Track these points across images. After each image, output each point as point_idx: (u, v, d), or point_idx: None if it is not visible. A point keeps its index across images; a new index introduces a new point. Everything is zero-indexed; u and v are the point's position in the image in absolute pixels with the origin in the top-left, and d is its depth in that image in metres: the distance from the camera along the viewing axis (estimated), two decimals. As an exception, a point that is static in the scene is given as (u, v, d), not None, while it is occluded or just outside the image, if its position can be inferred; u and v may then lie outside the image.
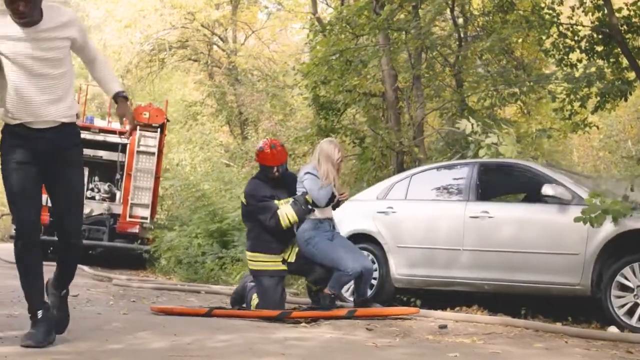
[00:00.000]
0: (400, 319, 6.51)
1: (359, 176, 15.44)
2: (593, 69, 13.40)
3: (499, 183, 8.74)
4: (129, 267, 15.08)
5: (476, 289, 7.82)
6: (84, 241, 14.93)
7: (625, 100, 14.18)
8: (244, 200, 7.18)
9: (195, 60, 28.09)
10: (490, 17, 15.49)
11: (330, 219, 7.09)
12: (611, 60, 13.75)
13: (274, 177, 7.10)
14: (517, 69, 15.41)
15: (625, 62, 13.37)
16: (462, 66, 15.01)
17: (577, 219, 6.74)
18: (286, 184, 7.21)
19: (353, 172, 16.22)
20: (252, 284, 6.85)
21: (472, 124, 8.76)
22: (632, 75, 13.36)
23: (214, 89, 27.16)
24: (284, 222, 6.86)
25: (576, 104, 14.16)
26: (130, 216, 15.42)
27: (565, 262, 7.19)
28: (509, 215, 7.79)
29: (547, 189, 7.32)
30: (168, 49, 26.47)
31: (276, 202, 7.00)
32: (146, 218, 15.54)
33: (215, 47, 28.24)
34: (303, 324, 5.74)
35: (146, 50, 26.75)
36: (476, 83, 16.79)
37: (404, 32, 13.04)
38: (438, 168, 8.91)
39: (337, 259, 6.60)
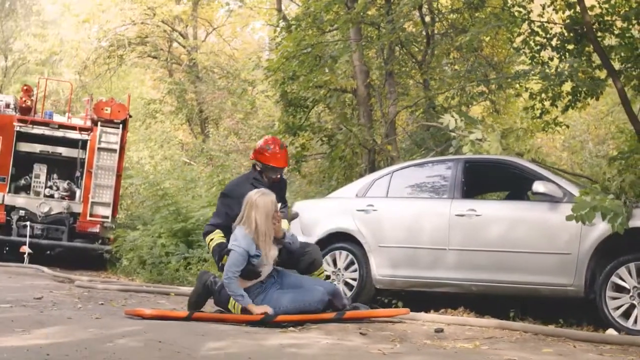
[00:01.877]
0: (389, 321, 6.18)
1: (328, 175, 15.10)
2: (566, 66, 13.22)
3: (485, 180, 8.46)
4: (89, 267, 14.54)
5: (463, 290, 7.51)
6: (43, 241, 14.44)
7: (597, 99, 14.09)
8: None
9: (154, 57, 27.50)
10: (459, 15, 15.32)
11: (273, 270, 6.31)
12: (583, 58, 13.57)
13: (274, 179, 6.77)
14: (486, 67, 15.19)
15: (596, 60, 13.22)
16: (429, 64, 14.78)
17: (568, 218, 6.46)
18: (279, 188, 6.86)
19: (320, 170, 15.87)
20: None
21: (456, 120, 8.45)
22: (602, 74, 13.19)
23: (173, 86, 26.59)
24: (209, 242, 6.73)
25: (547, 103, 14.03)
26: (91, 215, 14.86)
27: (557, 261, 6.92)
28: (497, 214, 7.49)
29: (538, 186, 7.04)
30: (127, 45, 25.84)
31: None
32: (107, 217, 15.00)
33: (175, 43, 27.68)
34: (290, 329, 5.37)
35: (104, 46, 26.10)
36: (442, 81, 16.63)
37: (377, 27, 12.72)
38: (420, 165, 8.59)
39: (302, 298, 6.16)
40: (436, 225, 7.66)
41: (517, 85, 13.81)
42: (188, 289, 9.33)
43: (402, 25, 11.95)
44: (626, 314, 6.48)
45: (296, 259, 6.59)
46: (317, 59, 13.47)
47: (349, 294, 7.81)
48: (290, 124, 14.73)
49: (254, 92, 24.27)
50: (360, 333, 5.28)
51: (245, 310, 5.61)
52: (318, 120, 16.12)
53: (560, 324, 6.84)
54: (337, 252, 8.16)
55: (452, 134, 8.56)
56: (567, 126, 15.56)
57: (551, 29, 14.22)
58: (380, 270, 7.89)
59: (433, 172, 8.29)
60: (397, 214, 8.05)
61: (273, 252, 6.01)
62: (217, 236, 6.69)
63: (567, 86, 13.36)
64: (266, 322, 5.48)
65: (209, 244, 6.79)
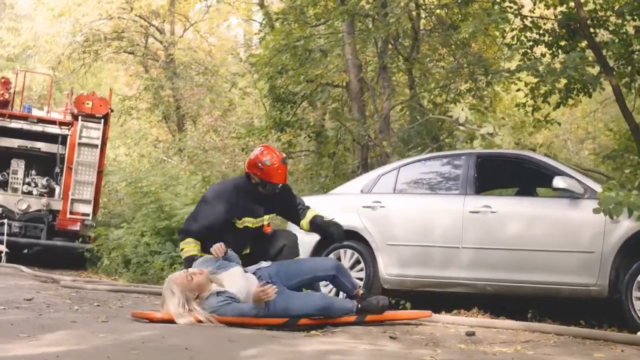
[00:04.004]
0: (411, 324, 5.83)
1: (315, 172, 14.76)
2: (557, 63, 13.02)
3: (498, 175, 8.13)
4: (69, 267, 14.01)
5: (477, 290, 7.18)
6: (21, 239, 13.90)
7: (590, 96, 13.90)
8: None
9: (131, 53, 26.93)
10: (449, 10, 15.05)
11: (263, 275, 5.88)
12: (576, 55, 13.33)
13: (271, 193, 6.27)
14: (475, 64, 14.90)
15: (589, 57, 13.00)
16: (414, 60, 14.50)
17: (596, 211, 6.14)
18: (280, 198, 6.43)
19: (308, 167, 15.52)
20: None
21: (466, 113, 8.13)
22: (595, 70, 12.95)
23: (150, 82, 26.06)
24: (181, 251, 6.30)
25: (539, 100, 13.82)
26: (71, 213, 14.33)
27: (579, 260, 6.62)
28: (513, 210, 7.17)
29: (558, 182, 6.73)
30: (103, 40, 25.27)
31: (249, 220, 6.30)
32: (88, 215, 14.47)
33: (152, 39, 27.12)
34: (313, 332, 5.00)
35: (79, 41, 25.49)
36: (428, 78, 16.37)
37: (372, 19, 12.39)
38: (428, 160, 8.22)
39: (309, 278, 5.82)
40: (449, 223, 7.33)
41: (507, 82, 13.53)
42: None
43: (398, 17, 11.60)
44: (653, 315, 6.21)
45: (265, 247, 6.36)
46: (307, 52, 13.10)
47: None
48: (278, 120, 14.37)
49: (234, 89, 23.92)
50: (390, 337, 4.93)
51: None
52: (303, 117, 15.79)
53: (581, 325, 6.55)
54: (341, 250, 7.76)
55: (461, 127, 8.24)
56: (559, 123, 15.35)
57: (544, 24, 14.01)
58: (389, 269, 7.53)
59: (443, 167, 7.95)
60: (406, 210, 7.70)
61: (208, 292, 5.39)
62: (188, 247, 6.20)
63: (560, 83, 13.11)
64: (289, 325, 5.11)
65: (182, 252, 6.32)
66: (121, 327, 4.63)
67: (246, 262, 6.16)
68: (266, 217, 6.45)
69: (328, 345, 4.24)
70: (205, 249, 6.05)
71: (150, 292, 8.77)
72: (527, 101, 13.87)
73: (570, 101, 13.97)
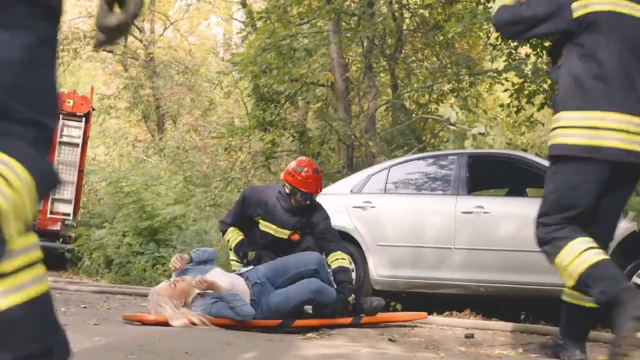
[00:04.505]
0: (406, 326, 5.74)
1: (299, 172, 14.64)
2: (543, 65, 13.03)
3: (489, 176, 8.07)
4: (49, 267, 13.71)
5: (470, 291, 7.11)
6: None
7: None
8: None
9: (110, 51, 26.63)
10: (432, 10, 15.00)
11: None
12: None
13: (303, 205, 6.22)
14: (459, 64, 14.87)
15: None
16: (397, 60, 14.46)
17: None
18: (311, 213, 6.32)
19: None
20: None
21: (457, 112, 8.05)
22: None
23: (129, 81, 25.81)
24: (227, 242, 6.37)
25: (523, 100, 13.81)
26: (52, 212, 14.13)
27: (573, 262, 6.55)
28: (507, 211, 7.09)
29: (552, 182, 6.65)
30: (82, 38, 24.98)
31: (269, 225, 6.26)
32: (69, 215, 14.28)
33: (131, 37, 26.85)
34: (309, 334, 4.90)
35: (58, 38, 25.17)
36: (410, 78, 16.34)
37: (358, 18, 12.30)
38: (419, 159, 8.13)
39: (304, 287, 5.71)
40: (441, 223, 7.24)
41: (493, 82, 13.49)
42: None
43: (385, 17, 11.52)
44: (649, 317, 6.16)
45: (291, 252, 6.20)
46: (291, 51, 12.99)
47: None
48: (261, 119, 14.25)
49: (215, 89, 23.75)
50: (390, 340, 4.83)
51: None
52: (285, 117, 15.68)
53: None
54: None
55: (451, 127, 8.16)
56: (543, 124, 15.34)
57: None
58: (379, 270, 7.45)
59: (434, 167, 7.87)
60: (397, 210, 7.61)
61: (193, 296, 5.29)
62: (233, 235, 6.31)
63: (546, 83, 13.09)
64: (283, 327, 5.00)
65: (228, 243, 6.43)
66: (114, 330, 4.50)
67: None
68: (289, 232, 6.33)
69: (329, 349, 4.13)
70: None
71: (136, 293, 8.62)
72: (511, 102, 13.85)
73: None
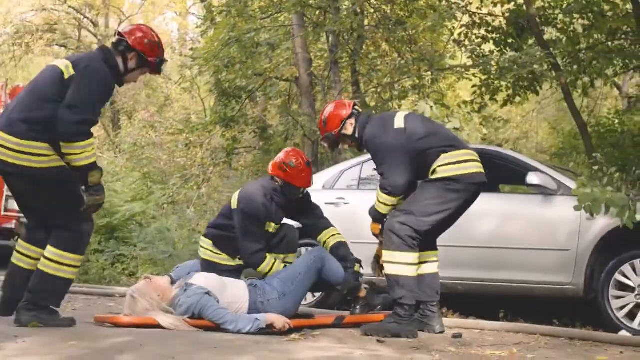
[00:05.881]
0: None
1: (261, 168, 14.41)
2: (506, 60, 12.96)
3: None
4: (3, 266, 13.29)
5: (447, 289, 6.92)
6: (-49, 239, 13.15)
7: (537, 94, 13.93)
8: (235, 205, 5.94)
9: (63, 46, 26.05)
10: (394, 6, 14.87)
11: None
12: (523, 53, 13.30)
13: (294, 198, 6.00)
14: (422, 61, 14.75)
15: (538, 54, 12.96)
16: (359, 56, 14.31)
17: (577, 208, 5.93)
18: (301, 205, 6.16)
19: (255, 163, 15.17)
20: None
21: (432, 107, 7.91)
22: (541, 68, 12.85)
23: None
24: (265, 269, 5.77)
25: (486, 97, 13.76)
26: (6, 210, 13.55)
27: (554, 258, 6.46)
28: (485, 207, 6.88)
29: (532, 178, 6.55)
30: (35, 32, 24.38)
31: (272, 225, 5.97)
32: (23, 212, 13.79)
33: (85, 32, 26.32)
34: (293, 335, 4.68)
35: (9, 32, 24.55)
36: (372, 75, 16.19)
37: (324, 12, 12.11)
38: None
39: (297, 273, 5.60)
40: (416, 220, 7.07)
41: (461, 78, 13.39)
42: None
43: (352, 11, 11.34)
44: (631, 315, 6.08)
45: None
46: (254, 45, 12.74)
47: (318, 296, 7.21)
48: (223, 115, 13.98)
49: (171, 85, 23.42)
50: (378, 341, 4.65)
51: None
52: (246, 113, 15.43)
53: (555, 325, 6.40)
54: (303, 249, 7.46)
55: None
56: (507, 121, 15.36)
57: (493, 21, 13.98)
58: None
59: (408, 163, 7.69)
60: (372, 207, 7.43)
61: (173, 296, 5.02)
62: (275, 264, 5.83)
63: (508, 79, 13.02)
64: (266, 328, 4.78)
65: (270, 269, 5.82)
66: (88, 333, 4.25)
67: None
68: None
69: (320, 351, 3.93)
70: None
71: (99, 293, 8.29)
72: (474, 98, 13.79)
73: (518, 99, 13.97)
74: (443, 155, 5.32)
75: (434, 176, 5.29)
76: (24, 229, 5.28)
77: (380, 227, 5.58)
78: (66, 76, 4.61)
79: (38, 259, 4.88)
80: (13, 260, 5.07)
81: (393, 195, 5.26)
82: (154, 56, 4.95)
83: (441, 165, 5.29)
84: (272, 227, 5.98)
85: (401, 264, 5.18)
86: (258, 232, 5.82)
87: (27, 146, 4.49)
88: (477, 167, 5.41)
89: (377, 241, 6.87)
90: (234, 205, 5.94)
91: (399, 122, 5.45)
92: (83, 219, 4.58)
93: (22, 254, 4.98)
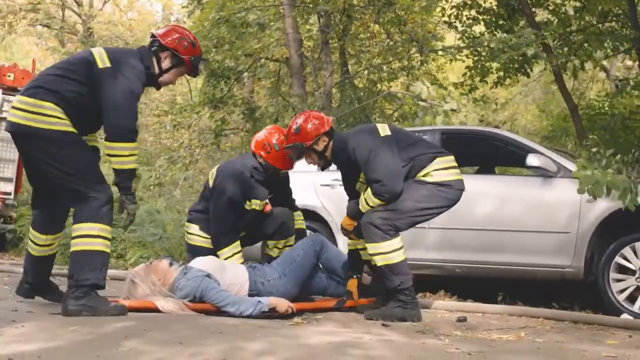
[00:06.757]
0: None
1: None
2: (498, 42, 12.87)
3: (462, 153, 7.83)
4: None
5: (445, 272, 6.91)
6: None
7: (528, 76, 13.86)
8: (212, 182, 5.86)
9: (47, 26, 25.76)
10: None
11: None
12: (515, 35, 13.23)
13: (273, 177, 6.01)
14: (411, 42, 14.65)
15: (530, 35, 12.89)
16: (348, 36, 14.18)
17: (580, 190, 5.85)
18: (280, 183, 6.20)
19: (243, 145, 15.01)
20: None
21: (428, 88, 7.81)
22: (531, 50, 12.79)
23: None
24: (224, 255, 5.74)
25: (477, 79, 13.70)
26: (-10, 191, 13.46)
27: (553, 241, 6.41)
28: (485, 189, 6.90)
29: (532, 160, 6.47)
30: (18, 12, 24.04)
31: (257, 202, 5.92)
32: (9, 193, 13.58)
33: (69, 11, 25.99)
34: (295, 319, 4.61)
35: (-8, 12, 24.23)
36: (360, 56, 16.09)
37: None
38: (388, 135, 7.86)
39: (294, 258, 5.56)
40: (414, 202, 6.99)
41: (453, 59, 13.29)
42: (123, 273, 8.35)
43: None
44: (632, 298, 6.04)
45: (264, 226, 6.11)
46: (243, 25, 12.57)
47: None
48: (211, 96, 13.83)
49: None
50: (383, 325, 4.57)
51: None
52: (235, 94, 15.27)
53: (555, 308, 6.36)
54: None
55: (423, 103, 7.90)
56: (496, 103, 15.28)
57: (484, 2, 13.90)
58: (349, 250, 7.17)
59: (405, 144, 7.61)
60: (367, 189, 7.34)
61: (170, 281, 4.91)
62: (234, 257, 5.75)
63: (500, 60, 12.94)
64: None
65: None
66: (88, 318, 4.13)
67: (244, 242, 6.02)
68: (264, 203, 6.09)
69: (329, 336, 3.84)
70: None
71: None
72: (465, 80, 13.72)
73: (508, 80, 13.92)
74: (438, 159, 5.31)
75: (428, 179, 5.23)
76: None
77: (355, 224, 5.51)
78: (100, 65, 4.57)
79: (43, 246, 4.80)
80: (27, 245, 5.01)
81: (388, 202, 5.17)
82: (187, 54, 4.79)
83: (436, 170, 5.28)
84: (257, 204, 5.91)
85: (390, 252, 5.13)
86: (231, 214, 5.78)
87: (39, 106, 4.44)
88: (460, 174, 5.47)
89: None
90: (212, 181, 5.88)
91: (383, 131, 5.39)
92: (98, 186, 4.43)
93: (30, 240, 4.87)
